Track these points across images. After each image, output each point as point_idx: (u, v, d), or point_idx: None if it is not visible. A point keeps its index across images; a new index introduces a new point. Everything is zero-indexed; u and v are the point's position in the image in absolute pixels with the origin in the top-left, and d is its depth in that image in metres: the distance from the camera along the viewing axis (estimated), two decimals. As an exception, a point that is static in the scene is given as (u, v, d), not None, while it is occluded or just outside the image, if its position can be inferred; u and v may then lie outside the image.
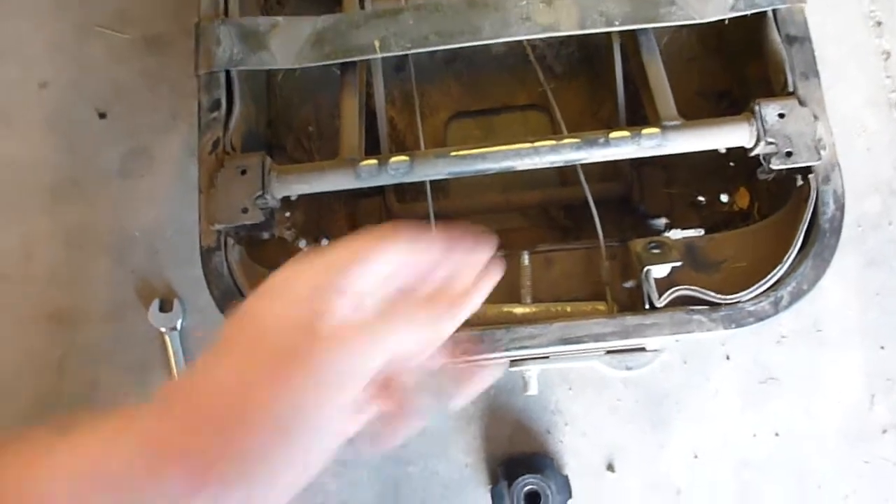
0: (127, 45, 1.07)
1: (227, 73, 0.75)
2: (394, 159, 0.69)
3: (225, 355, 0.32)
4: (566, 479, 0.89)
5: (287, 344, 0.30)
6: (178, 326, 0.98)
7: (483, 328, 0.68)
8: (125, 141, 1.04)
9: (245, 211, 0.69)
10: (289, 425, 0.29)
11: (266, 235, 0.77)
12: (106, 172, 1.03)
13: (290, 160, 0.90)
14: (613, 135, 0.69)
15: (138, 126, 1.05)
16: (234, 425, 0.29)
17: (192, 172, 0.93)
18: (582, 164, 0.73)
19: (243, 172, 0.70)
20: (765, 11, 0.74)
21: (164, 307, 0.98)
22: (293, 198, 0.74)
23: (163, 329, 0.97)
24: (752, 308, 0.67)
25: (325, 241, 0.86)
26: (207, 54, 0.75)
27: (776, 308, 0.66)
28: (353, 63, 0.79)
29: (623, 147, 0.69)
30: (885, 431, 0.92)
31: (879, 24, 1.05)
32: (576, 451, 0.93)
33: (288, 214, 0.85)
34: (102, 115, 1.06)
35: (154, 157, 1.04)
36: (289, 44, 0.75)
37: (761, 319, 0.66)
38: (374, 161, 0.69)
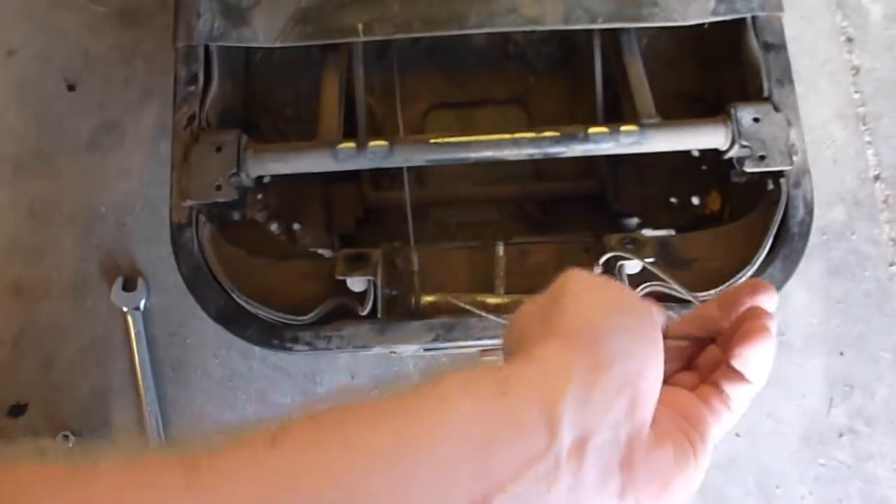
0: (101, 17, 1.05)
1: (206, 47, 0.73)
2: (373, 143, 0.68)
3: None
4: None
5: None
6: (142, 306, 0.95)
7: (456, 316, 0.68)
8: (95, 114, 1.02)
9: (219, 188, 0.68)
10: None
11: (237, 216, 0.76)
12: (74, 145, 1.01)
13: (265, 141, 0.89)
14: (592, 130, 0.70)
15: (109, 100, 1.02)
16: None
17: (163, 149, 0.91)
18: (558, 161, 0.74)
19: (218, 149, 0.69)
20: (744, 18, 0.75)
21: (128, 286, 0.95)
22: (267, 179, 0.73)
23: (125, 308, 0.95)
24: (721, 306, 0.67)
25: (296, 227, 0.85)
26: (187, 27, 0.73)
27: (744, 308, 0.67)
28: (335, 46, 0.78)
29: (601, 143, 0.70)
30: (841, 435, 0.94)
31: (850, 40, 1.08)
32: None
33: (260, 196, 0.83)
34: (72, 87, 1.03)
35: (125, 131, 1.02)
36: (271, 21, 0.74)
37: (730, 318, 0.67)
38: (352, 144, 0.69)
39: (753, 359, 0.34)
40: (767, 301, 0.36)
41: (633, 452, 0.30)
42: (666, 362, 0.34)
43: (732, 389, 0.35)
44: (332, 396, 0.29)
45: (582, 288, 0.35)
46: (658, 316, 0.37)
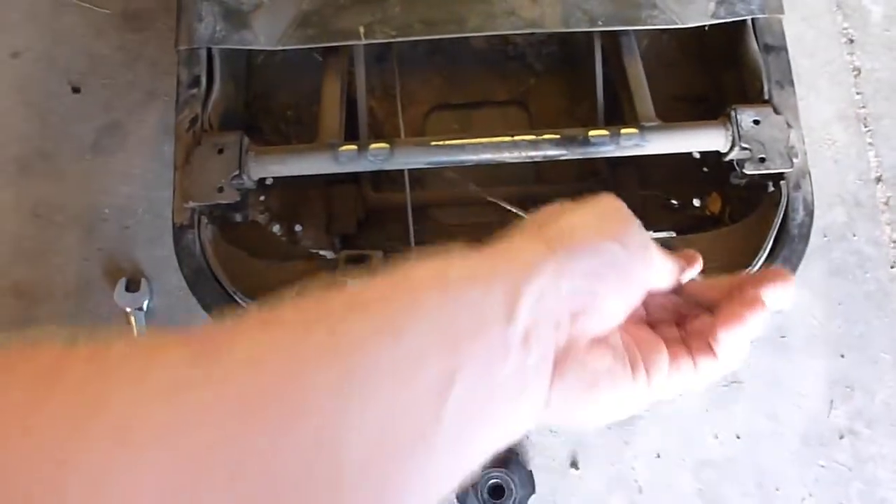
0: (105, 19, 1.05)
1: (209, 50, 0.74)
2: (374, 146, 0.68)
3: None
4: (530, 474, 0.90)
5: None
6: (145, 307, 0.96)
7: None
8: (99, 116, 1.02)
9: (220, 190, 0.68)
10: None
11: (239, 217, 0.76)
12: (78, 147, 1.02)
13: (266, 144, 0.89)
14: (592, 133, 0.70)
15: (113, 102, 1.03)
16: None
17: (167, 151, 0.91)
18: (558, 162, 0.74)
19: (220, 151, 0.69)
20: (744, 20, 0.75)
21: (131, 286, 0.96)
22: (269, 181, 0.74)
23: (128, 309, 0.96)
24: (720, 308, 0.68)
25: (298, 228, 0.85)
26: (189, 30, 0.74)
27: (744, 310, 0.67)
28: (336, 49, 0.78)
29: (601, 146, 0.70)
30: (842, 437, 0.94)
31: (851, 41, 1.08)
32: (541, 446, 0.94)
33: (263, 198, 0.84)
34: (76, 89, 1.04)
35: (128, 133, 1.02)
36: (272, 24, 0.74)
37: (729, 320, 0.67)
38: (353, 146, 0.69)
39: (724, 340, 0.36)
40: (780, 290, 0.38)
41: (568, 352, 0.34)
42: (658, 311, 0.39)
43: (699, 357, 0.37)
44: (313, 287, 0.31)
45: (599, 208, 0.38)
46: (669, 264, 0.40)
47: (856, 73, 1.06)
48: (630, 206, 0.89)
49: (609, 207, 0.39)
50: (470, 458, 0.31)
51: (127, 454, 0.23)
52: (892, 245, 0.99)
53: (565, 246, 0.35)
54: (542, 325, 0.33)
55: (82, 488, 0.23)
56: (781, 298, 0.37)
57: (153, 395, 0.24)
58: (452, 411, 0.29)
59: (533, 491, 0.89)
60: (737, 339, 0.36)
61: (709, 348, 0.37)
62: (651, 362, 0.36)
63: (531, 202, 0.88)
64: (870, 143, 1.03)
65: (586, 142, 0.70)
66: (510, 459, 0.89)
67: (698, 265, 0.41)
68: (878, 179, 1.02)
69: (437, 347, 0.30)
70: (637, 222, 0.39)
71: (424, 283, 0.32)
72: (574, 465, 0.93)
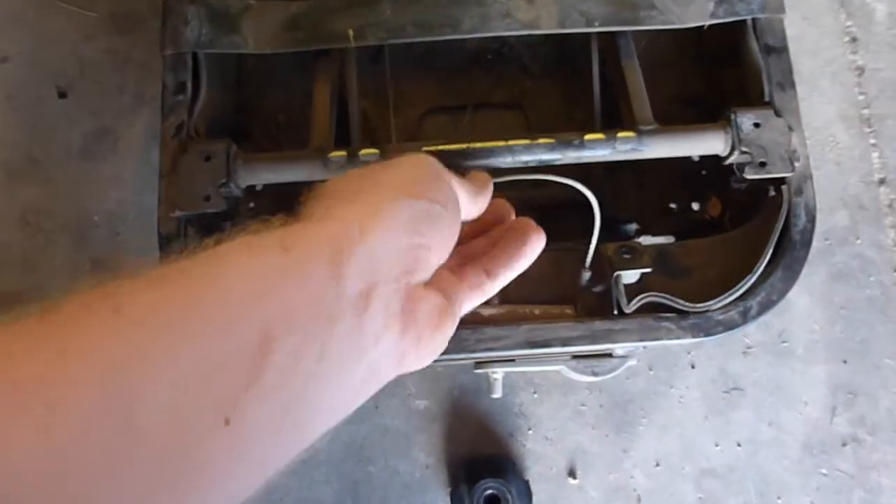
0: (93, 22, 1.04)
1: (195, 54, 0.72)
2: (364, 151, 0.67)
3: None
4: (527, 484, 0.88)
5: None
6: (136, 315, 0.94)
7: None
8: (88, 121, 1.01)
9: (207, 199, 0.67)
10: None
11: (228, 225, 0.74)
12: (66, 152, 1.00)
13: (257, 149, 0.88)
14: (588, 137, 0.69)
15: (102, 106, 1.01)
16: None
17: (157, 156, 0.90)
18: (555, 166, 0.72)
19: (207, 158, 0.68)
20: (744, 20, 0.73)
21: (122, 294, 0.94)
22: (258, 188, 0.72)
23: (119, 317, 0.94)
24: (720, 317, 0.66)
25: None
26: (174, 34, 0.72)
27: (745, 318, 0.66)
28: (327, 51, 0.77)
29: (598, 150, 0.68)
30: (844, 444, 0.92)
31: (854, 40, 1.06)
32: (538, 455, 0.93)
33: (252, 205, 0.82)
34: (64, 94, 1.02)
35: (118, 138, 1.01)
36: (261, 28, 0.73)
37: (730, 329, 0.66)
38: (343, 153, 0.67)
39: (500, 275, 0.46)
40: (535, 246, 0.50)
41: (413, 298, 0.37)
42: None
43: (482, 283, 0.46)
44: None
45: (409, 170, 0.43)
46: (477, 204, 0.48)
47: (859, 72, 1.04)
48: (627, 210, 0.88)
49: (418, 167, 0.43)
50: (309, 428, 0.32)
51: None
52: (895, 249, 0.97)
53: (385, 208, 0.38)
54: (381, 283, 0.35)
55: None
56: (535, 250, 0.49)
57: None
58: (272, 378, 0.28)
59: (530, 501, 0.87)
60: (508, 276, 0.47)
61: (486, 276, 0.46)
62: (457, 292, 0.43)
63: (527, 207, 0.86)
64: (873, 145, 1.01)
65: (582, 146, 0.68)
66: (507, 470, 0.88)
67: (489, 192, 0.51)
68: (882, 181, 1.00)
69: (248, 310, 0.29)
70: (443, 175, 0.44)
71: (232, 253, 0.32)
72: (572, 474, 0.92)
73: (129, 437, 0.24)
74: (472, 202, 0.47)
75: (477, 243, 0.50)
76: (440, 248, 0.40)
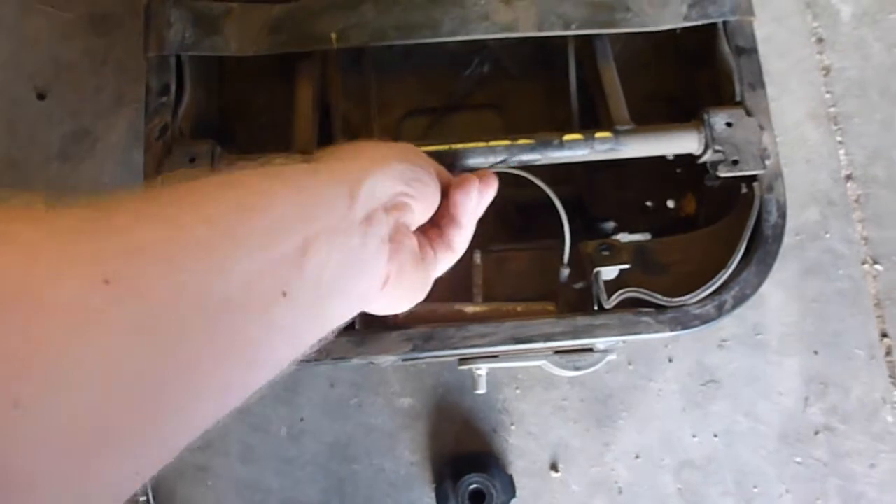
0: (71, 23, 1.03)
1: (178, 57, 0.73)
2: (348, 152, 0.68)
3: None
4: (510, 479, 0.90)
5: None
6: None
7: (434, 326, 0.68)
8: (66, 123, 1.00)
9: (192, 200, 0.67)
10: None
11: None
12: (45, 155, 0.99)
13: (241, 151, 0.88)
14: (567, 137, 0.70)
15: (81, 108, 1.01)
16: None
17: (137, 159, 0.90)
18: (535, 166, 0.74)
19: (192, 160, 0.68)
20: (715, 23, 0.75)
21: (104, 298, 0.94)
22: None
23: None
24: (697, 311, 0.68)
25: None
26: (158, 37, 0.72)
27: (720, 311, 0.68)
28: (309, 54, 0.78)
29: (576, 150, 0.70)
30: (817, 433, 0.95)
31: (821, 40, 1.09)
32: (522, 450, 0.94)
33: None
34: (42, 96, 1.01)
35: (97, 140, 1.00)
36: (243, 30, 0.73)
37: (706, 322, 0.68)
38: (326, 154, 0.68)
39: (461, 204, 0.54)
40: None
41: (399, 233, 0.45)
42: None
43: (449, 231, 0.55)
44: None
45: (402, 147, 0.54)
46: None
47: (826, 72, 1.07)
48: (606, 208, 0.90)
49: (408, 148, 0.56)
50: (326, 323, 0.39)
51: None
52: (863, 242, 1.00)
53: (384, 162, 0.47)
54: (378, 211, 0.43)
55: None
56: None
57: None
58: (310, 275, 0.36)
59: (514, 495, 0.89)
60: (468, 201, 0.54)
61: (453, 219, 0.55)
62: (430, 248, 0.53)
63: (509, 205, 0.87)
64: (840, 142, 1.04)
65: (561, 146, 0.70)
66: (490, 465, 0.89)
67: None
68: (850, 177, 1.03)
69: (292, 222, 0.36)
70: (429, 160, 0.56)
71: (274, 175, 0.40)
72: (554, 467, 0.94)
73: (215, 304, 0.30)
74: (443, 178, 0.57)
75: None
76: (423, 204, 0.49)
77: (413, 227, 0.49)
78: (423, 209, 0.49)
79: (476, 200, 0.54)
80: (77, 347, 0.24)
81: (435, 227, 0.55)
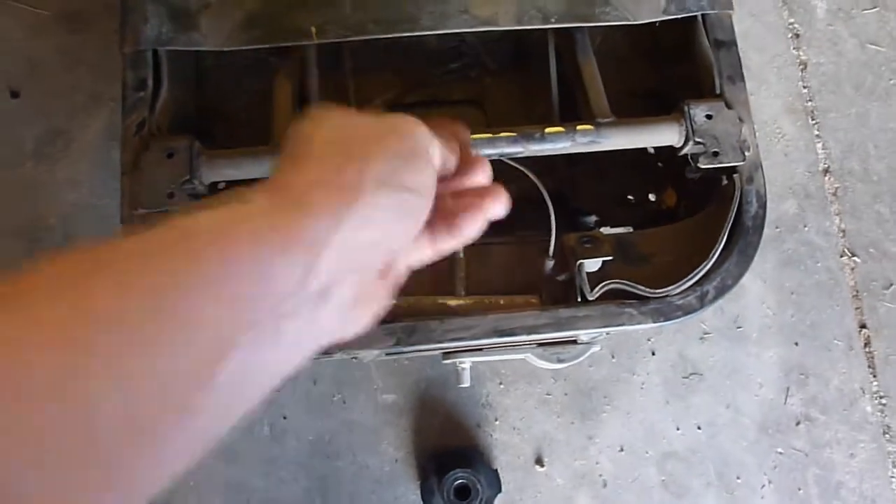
0: (43, 20, 1.01)
1: (155, 52, 0.72)
2: (328, 147, 0.67)
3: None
4: (496, 473, 0.89)
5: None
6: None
7: (417, 319, 0.67)
8: (40, 122, 0.99)
9: (171, 196, 0.66)
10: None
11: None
12: (19, 154, 0.98)
13: (219, 147, 0.87)
14: (549, 130, 0.70)
15: (55, 107, 0.99)
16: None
17: (113, 157, 0.89)
18: (519, 160, 0.74)
19: (170, 155, 0.67)
20: (695, 16, 0.76)
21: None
22: (221, 185, 0.72)
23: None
24: (679, 302, 0.68)
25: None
26: (134, 31, 0.71)
27: (702, 302, 0.68)
28: (287, 49, 0.77)
29: (558, 142, 0.70)
30: (798, 423, 0.96)
31: (797, 35, 1.10)
32: (506, 445, 0.94)
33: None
34: (15, 94, 1.00)
35: (72, 139, 0.99)
36: (220, 25, 0.72)
37: (688, 313, 0.68)
38: (307, 148, 0.67)
39: (468, 226, 0.43)
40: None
41: (366, 289, 0.37)
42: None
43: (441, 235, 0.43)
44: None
45: (396, 145, 0.39)
46: (448, 167, 0.44)
47: (802, 67, 1.09)
48: (588, 202, 0.90)
49: (403, 141, 0.39)
50: (244, 405, 0.32)
51: None
52: (840, 235, 1.01)
53: (364, 202, 0.35)
54: (344, 279, 0.35)
55: None
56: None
57: None
58: (223, 387, 0.29)
59: (499, 490, 0.88)
60: (476, 227, 0.43)
61: (455, 228, 0.43)
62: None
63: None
64: (817, 136, 1.06)
65: (542, 139, 0.70)
66: (475, 460, 0.89)
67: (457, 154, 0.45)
68: (827, 171, 1.04)
69: (212, 322, 0.29)
70: (426, 153, 0.40)
71: (206, 240, 0.31)
72: (539, 462, 0.94)
73: (88, 421, 0.25)
74: (445, 166, 0.45)
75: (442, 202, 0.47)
76: (406, 239, 0.39)
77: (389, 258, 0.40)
78: (405, 242, 0.40)
79: (482, 225, 0.44)
80: None
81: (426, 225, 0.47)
